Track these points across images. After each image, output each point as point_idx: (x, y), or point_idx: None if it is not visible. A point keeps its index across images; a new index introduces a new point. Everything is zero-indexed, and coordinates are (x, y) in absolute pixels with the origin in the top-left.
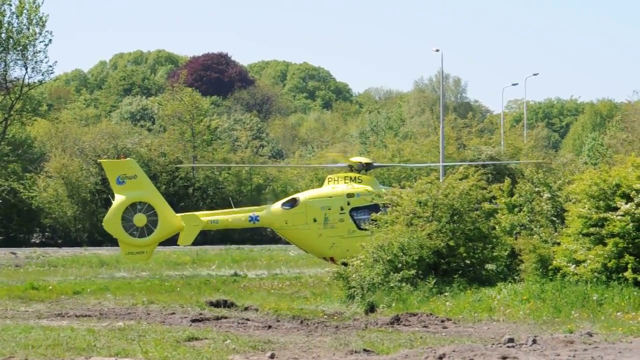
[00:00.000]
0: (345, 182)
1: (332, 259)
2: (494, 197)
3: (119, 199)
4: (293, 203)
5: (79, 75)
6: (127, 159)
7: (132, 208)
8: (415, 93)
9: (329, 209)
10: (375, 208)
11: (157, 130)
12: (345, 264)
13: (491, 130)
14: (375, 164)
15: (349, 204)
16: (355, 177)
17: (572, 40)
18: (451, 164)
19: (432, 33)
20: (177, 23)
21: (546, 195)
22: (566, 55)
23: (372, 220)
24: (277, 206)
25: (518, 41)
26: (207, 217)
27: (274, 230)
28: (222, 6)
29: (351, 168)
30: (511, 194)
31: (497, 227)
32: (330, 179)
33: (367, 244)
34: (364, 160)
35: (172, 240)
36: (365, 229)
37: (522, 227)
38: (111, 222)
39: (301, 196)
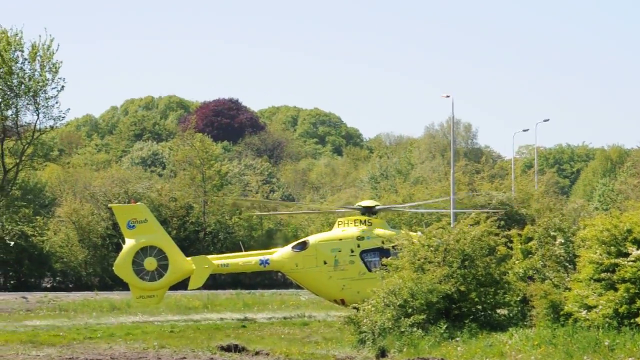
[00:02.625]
0: (355, 225)
1: (342, 301)
2: (510, 241)
3: (129, 243)
4: (303, 246)
5: (90, 120)
6: (138, 203)
7: (142, 252)
8: (426, 138)
9: (339, 252)
10: (385, 251)
11: (167, 175)
12: (356, 308)
13: (502, 175)
14: (378, 207)
15: (359, 246)
16: (365, 220)
17: (583, 87)
18: (449, 192)
19: (443, 79)
20: (188, 69)
21: (560, 240)
22: (576, 101)
23: (383, 265)
24: (287, 249)
25: (529, 87)
26: (218, 261)
27: (284, 273)
28: (232, 52)
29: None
30: (528, 240)
31: (509, 272)
32: (340, 222)
33: (378, 288)
34: (364, 204)
35: (183, 285)
36: (376, 271)
37: (535, 272)
38: (122, 266)
39: (311, 239)
